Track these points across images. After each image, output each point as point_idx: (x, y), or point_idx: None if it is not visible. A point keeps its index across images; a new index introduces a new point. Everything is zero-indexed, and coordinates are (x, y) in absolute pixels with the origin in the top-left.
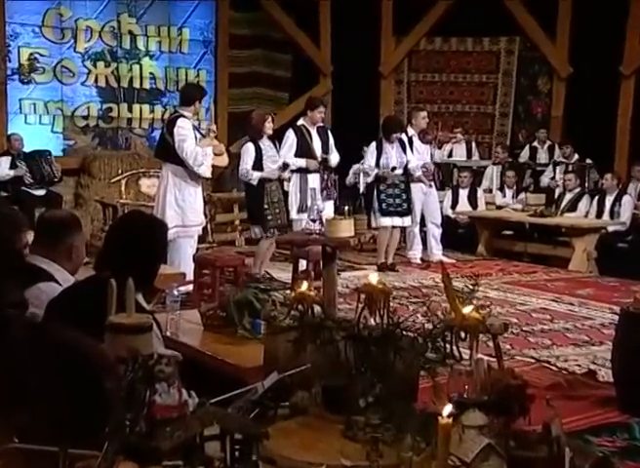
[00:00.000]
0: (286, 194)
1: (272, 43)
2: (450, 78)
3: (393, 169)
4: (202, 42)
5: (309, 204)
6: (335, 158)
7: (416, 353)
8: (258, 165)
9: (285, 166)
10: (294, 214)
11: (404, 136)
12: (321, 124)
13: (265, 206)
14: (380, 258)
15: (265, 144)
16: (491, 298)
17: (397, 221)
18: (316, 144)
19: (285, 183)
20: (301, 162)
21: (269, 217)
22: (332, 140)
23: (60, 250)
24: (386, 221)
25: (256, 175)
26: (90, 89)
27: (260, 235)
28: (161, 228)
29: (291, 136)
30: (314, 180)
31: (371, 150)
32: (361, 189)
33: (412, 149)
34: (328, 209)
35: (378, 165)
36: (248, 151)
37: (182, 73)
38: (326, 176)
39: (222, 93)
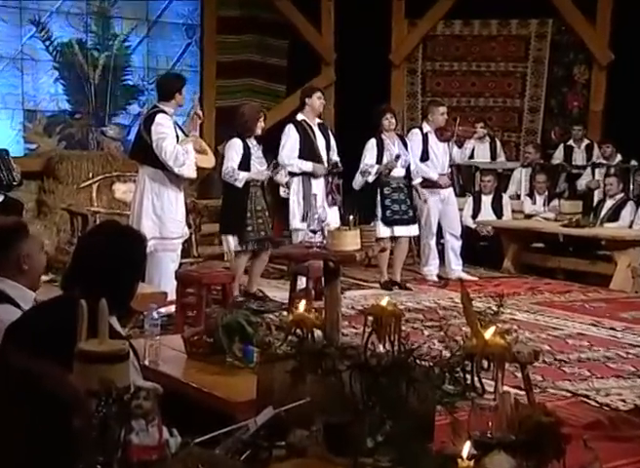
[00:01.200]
0: (282, 201)
1: (266, 26)
2: (471, 67)
3: (397, 157)
4: (185, 26)
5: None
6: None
7: (431, 385)
8: (245, 165)
9: (275, 166)
10: (297, 224)
11: (416, 134)
12: (320, 120)
13: (247, 214)
14: (384, 275)
15: (253, 144)
16: (519, 322)
17: (401, 230)
18: (320, 143)
19: (281, 189)
20: (308, 166)
21: (249, 228)
22: (333, 141)
23: (8, 262)
24: (385, 232)
25: (242, 176)
26: (55, 84)
27: (235, 248)
28: (138, 241)
29: (292, 135)
30: (318, 185)
31: (370, 146)
32: (355, 186)
33: (427, 147)
34: (333, 216)
35: (379, 163)
36: (234, 147)
37: (163, 62)
38: (330, 179)
39: (209, 84)
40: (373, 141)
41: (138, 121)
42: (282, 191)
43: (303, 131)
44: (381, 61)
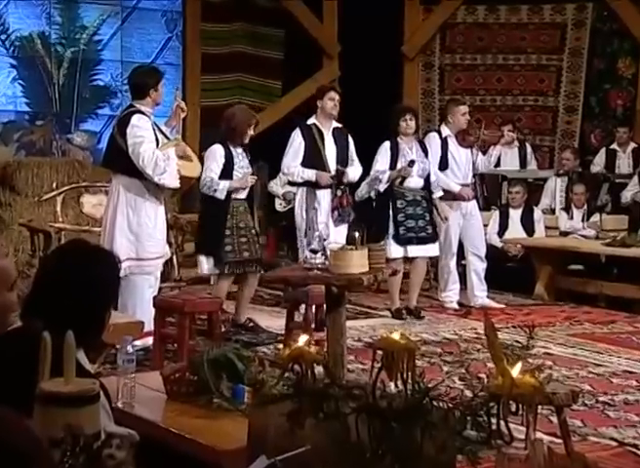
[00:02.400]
0: (281, 216)
1: (259, 14)
2: (497, 60)
3: (412, 163)
4: (165, 15)
5: (320, 227)
6: (355, 171)
7: (451, 431)
8: (227, 174)
9: (261, 166)
10: (303, 240)
11: (433, 138)
12: (337, 124)
13: (227, 231)
14: (394, 302)
15: (237, 152)
16: (553, 357)
17: (416, 251)
18: (330, 151)
19: (276, 201)
20: (310, 174)
21: (227, 248)
22: (352, 146)
23: None
24: (397, 252)
25: (223, 186)
26: (13, 84)
27: (211, 271)
28: (110, 263)
29: (297, 139)
30: (323, 198)
31: (383, 151)
32: (357, 196)
33: (446, 154)
34: (340, 235)
35: (393, 169)
36: (215, 155)
37: (140, 58)
38: (339, 193)
39: (192, 80)
40: (386, 145)
41: (110, 126)
42: (277, 204)
43: (310, 136)
44: (393, 54)
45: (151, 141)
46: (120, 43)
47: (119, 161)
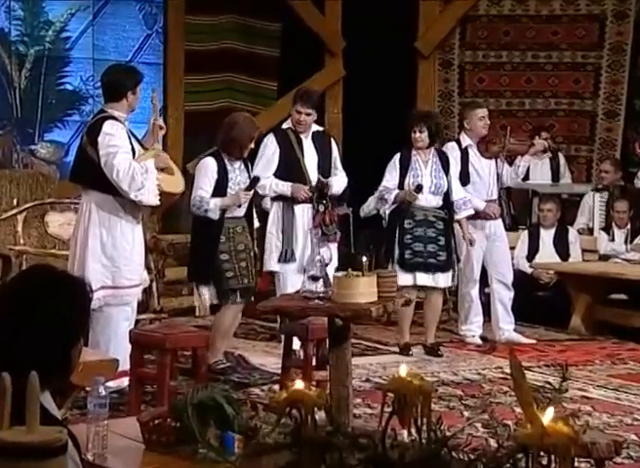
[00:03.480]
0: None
1: (252, 5)
2: (526, 58)
3: (418, 188)
4: (144, 7)
5: (299, 249)
6: (339, 182)
7: None
8: (220, 191)
9: (254, 181)
10: (272, 264)
11: (452, 149)
12: (318, 127)
13: (224, 256)
14: (403, 336)
15: (234, 166)
16: (592, 401)
17: (424, 279)
18: (310, 159)
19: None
20: (284, 187)
21: (229, 274)
22: (336, 153)
23: None
24: (406, 278)
25: (214, 204)
26: None
27: (212, 299)
28: (80, 292)
29: (270, 146)
30: (303, 214)
31: (392, 165)
32: (363, 211)
33: (467, 166)
34: (324, 255)
35: (401, 187)
36: (206, 170)
37: (115, 58)
38: (322, 208)
39: (175, 81)
40: (396, 158)
41: (79, 135)
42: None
43: (286, 142)
44: (405, 51)
45: (127, 152)
46: (92, 41)
47: (90, 175)
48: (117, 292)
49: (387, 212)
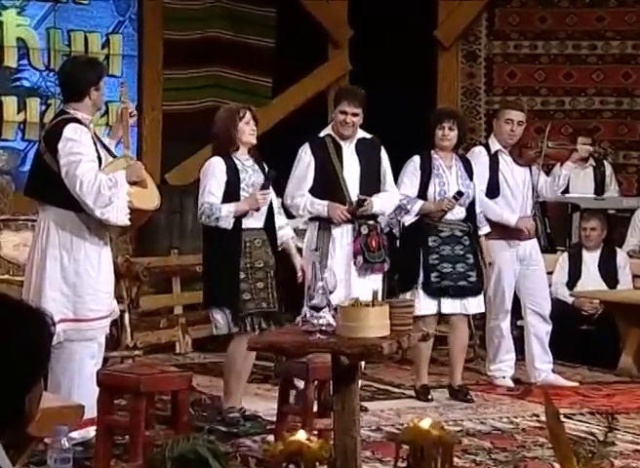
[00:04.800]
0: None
1: None
2: (565, 49)
3: (459, 195)
4: None
5: (329, 278)
6: (386, 200)
7: None
8: (232, 196)
9: (270, 177)
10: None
11: (479, 154)
12: (365, 134)
13: (241, 274)
14: (421, 378)
15: (244, 162)
16: None
17: (453, 306)
18: (350, 171)
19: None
20: (319, 206)
21: (246, 296)
22: (387, 164)
23: None
24: (428, 306)
25: (226, 211)
26: None
27: (228, 328)
28: (38, 324)
29: (304, 158)
30: (342, 238)
31: (411, 169)
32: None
33: (496, 175)
34: (368, 289)
35: (423, 196)
36: (214, 171)
37: (79, 40)
38: (365, 230)
39: (152, 77)
40: (416, 161)
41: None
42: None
43: (323, 153)
44: (422, 42)
45: (92, 160)
46: (53, 29)
47: (48, 188)
48: (80, 326)
49: (405, 224)
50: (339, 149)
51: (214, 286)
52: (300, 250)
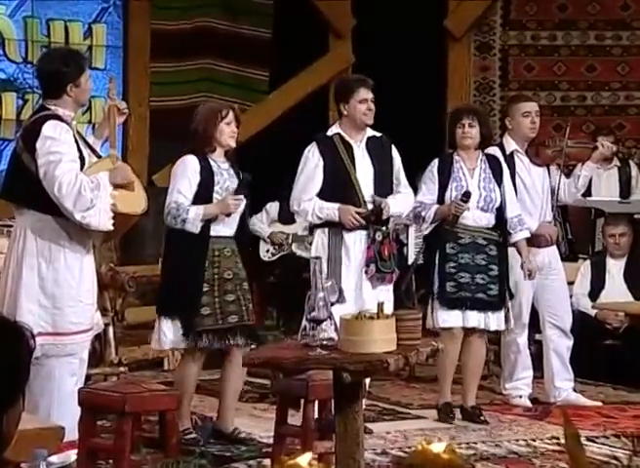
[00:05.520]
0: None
1: None
2: (587, 39)
3: (466, 196)
4: None
5: (351, 288)
6: (402, 202)
7: None
8: (204, 197)
9: (244, 183)
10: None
11: (494, 153)
12: (374, 132)
13: (205, 286)
14: (444, 395)
15: (220, 165)
16: None
17: (472, 318)
18: (363, 172)
19: (262, 247)
20: (329, 210)
21: (205, 310)
22: (399, 163)
23: None
24: (445, 318)
25: (195, 214)
26: None
27: (175, 343)
28: (15, 339)
29: (312, 160)
30: (355, 244)
31: (428, 175)
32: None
33: (513, 177)
34: (378, 298)
35: (441, 202)
36: (186, 169)
37: (59, 30)
38: (379, 236)
39: (139, 70)
40: (433, 165)
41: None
42: (263, 251)
43: (332, 153)
44: (431, 32)
45: (73, 160)
46: (30, 18)
47: (26, 190)
48: (59, 340)
49: (422, 231)
50: (349, 149)
51: (168, 293)
52: (281, 260)
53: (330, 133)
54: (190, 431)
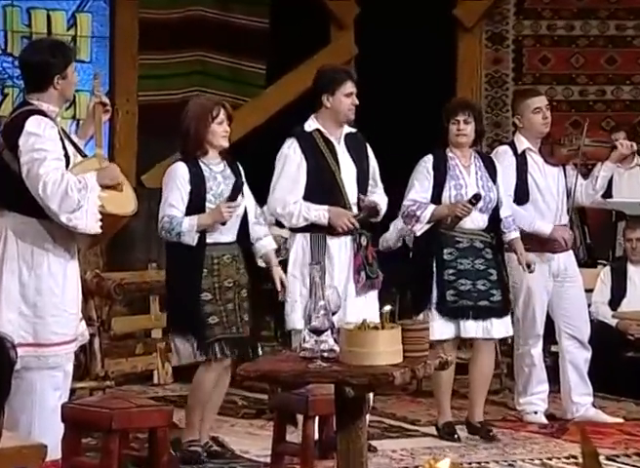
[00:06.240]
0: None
1: None
2: (607, 29)
3: (476, 199)
4: None
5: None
6: (383, 201)
7: None
8: (196, 207)
9: (238, 187)
10: (296, 321)
11: (504, 154)
12: (350, 129)
13: (206, 295)
14: (444, 414)
15: (213, 167)
16: None
17: (476, 329)
18: (346, 171)
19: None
20: (318, 212)
21: (213, 320)
22: (374, 163)
23: None
24: (445, 329)
25: (189, 225)
26: None
27: (192, 355)
28: None
29: (292, 157)
30: (340, 251)
31: (422, 171)
32: (382, 245)
33: (525, 178)
34: (368, 309)
35: (437, 201)
36: (175, 179)
37: (41, 20)
38: (364, 241)
39: (126, 62)
40: (428, 161)
41: None
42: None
43: (313, 150)
44: (440, 21)
45: (58, 158)
46: (10, 7)
47: (7, 190)
48: (42, 352)
49: (416, 234)
50: (331, 147)
51: (176, 310)
52: (282, 263)
53: (308, 128)
54: (194, 444)
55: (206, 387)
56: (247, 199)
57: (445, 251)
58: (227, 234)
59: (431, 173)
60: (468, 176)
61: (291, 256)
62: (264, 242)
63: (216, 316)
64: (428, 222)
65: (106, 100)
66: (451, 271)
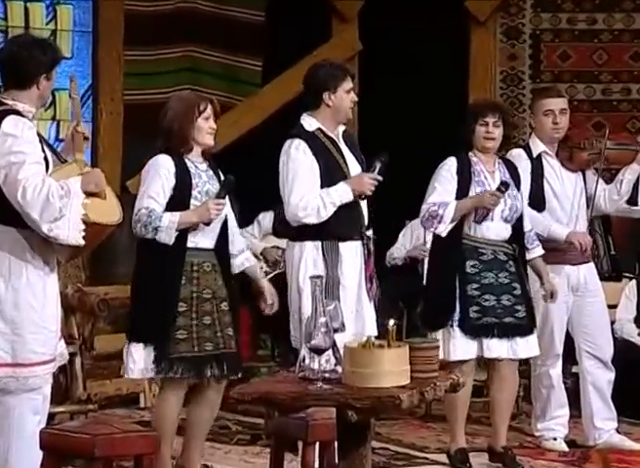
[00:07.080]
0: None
1: None
2: (632, 23)
3: (505, 186)
4: None
5: (351, 310)
6: None
7: None
8: (179, 203)
9: (228, 185)
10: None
11: (518, 158)
12: (343, 127)
13: (181, 306)
14: (457, 440)
15: (198, 165)
16: None
17: (500, 348)
18: (354, 171)
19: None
20: (338, 192)
21: (181, 335)
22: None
23: None
24: (467, 348)
25: (169, 221)
26: None
27: (145, 371)
28: None
29: (304, 159)
30: (353, 258)
31: (445, 174)
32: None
33: (541, 183)
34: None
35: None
36: (158, 171)
37: (17, 12)
38: (372, 247)
39: (111, 58)
40: (451, 164)
41: None
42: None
43: (323, 151)
44: (451, 15)
45: (37, 162)
46: None
47: None
48: (19, 372)
49: (442, 235)
50: (336, 146)
51: (139, 315)
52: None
53: (309, 127)
54: None
55: (167, 414)
56: (227, 206)
57: (468, 263)
58: (208, 239)
59: (455, 177)
60: (494, 183)
61: (300, 269)
62: (245, 256)
63: (185, 331)
64: (453, 220)
65: (84, 130)
66: (475, 286)
